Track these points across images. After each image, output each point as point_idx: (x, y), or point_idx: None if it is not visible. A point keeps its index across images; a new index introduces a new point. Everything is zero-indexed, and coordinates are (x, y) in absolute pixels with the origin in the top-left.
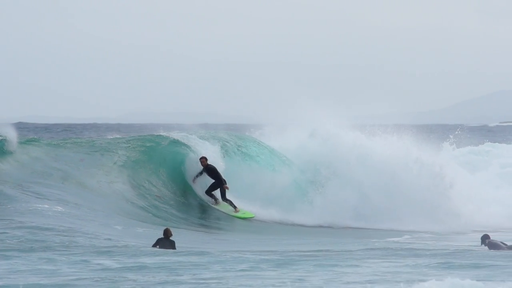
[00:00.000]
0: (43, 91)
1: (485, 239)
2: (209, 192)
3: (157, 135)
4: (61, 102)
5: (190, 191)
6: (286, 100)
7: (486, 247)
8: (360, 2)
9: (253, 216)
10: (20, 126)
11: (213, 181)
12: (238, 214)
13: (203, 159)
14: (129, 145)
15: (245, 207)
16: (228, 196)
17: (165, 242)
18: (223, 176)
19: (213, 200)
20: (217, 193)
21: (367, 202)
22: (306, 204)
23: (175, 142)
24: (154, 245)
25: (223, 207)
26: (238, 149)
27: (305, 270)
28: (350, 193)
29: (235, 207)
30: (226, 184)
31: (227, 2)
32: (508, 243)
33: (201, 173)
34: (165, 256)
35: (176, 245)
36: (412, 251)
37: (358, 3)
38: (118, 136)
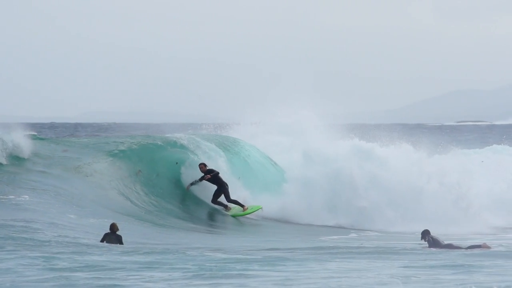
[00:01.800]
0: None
1: (425, 234)
2: (215, 200)
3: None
4: (17, 100)
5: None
6: (257, 100)
7: (426, 243)
8: (313, 2)
9: (260, 207)
10: None
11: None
12: (248, 211)
13: (202, 165)
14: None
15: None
16: (232, 196)
17: (112, 236)
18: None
19: (222, 207)
20: (222, 198)
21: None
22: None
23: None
24: (102, 240)
25: (233, 211)
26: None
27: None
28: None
29: (242, 205)
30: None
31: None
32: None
33: (199, 180)
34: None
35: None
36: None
37: (312, 3)
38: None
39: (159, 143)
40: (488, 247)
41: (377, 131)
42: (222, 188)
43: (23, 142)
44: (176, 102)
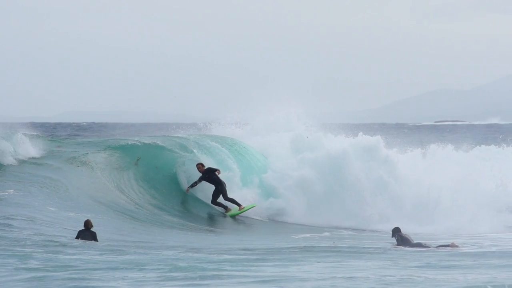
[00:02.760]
0: None
1: (395, 232)
2: (214, 201)
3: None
4: None
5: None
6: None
7: (396, 240)
8: (292, 2)
9: (255, 205)
10: None
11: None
12: (244, 209)
13: (200, 165)
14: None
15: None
16: (229, 195)
17: (86, 233)
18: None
19: (222, 208)
20: (221, 198)
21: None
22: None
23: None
24: (77, 237)
25: (232, 212)
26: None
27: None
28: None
29: (239, 204)
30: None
31: None
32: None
33: (198, 181)
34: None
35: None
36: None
37: (289, 4)
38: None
39: (159, 143)
40: (456, 246)
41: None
42: (219, 186)
43: (25, 143)
44: (156, 102)
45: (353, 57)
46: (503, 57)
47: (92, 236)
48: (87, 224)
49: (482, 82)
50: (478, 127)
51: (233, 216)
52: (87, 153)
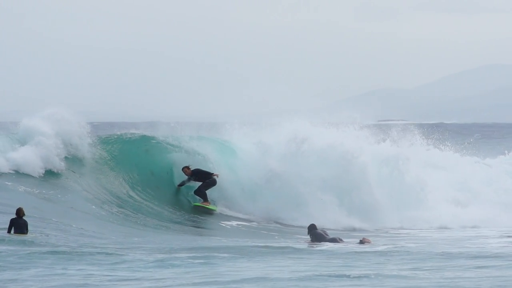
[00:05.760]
0: None
1: (311, 229)
2: (198, 191)
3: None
4: None
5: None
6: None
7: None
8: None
9: (216, 209)
10: None
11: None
12: (206, 206)
13: (186, 169)
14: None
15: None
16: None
17: (19, 221)
18: (210, 169)
19: (200, 198)
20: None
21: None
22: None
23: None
24: (9, 227)
25: (197, 202)
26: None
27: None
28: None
29: (207, 200)
30: (214, 174)
31: None
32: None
33: (187, 180)
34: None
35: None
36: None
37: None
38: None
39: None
40: (369, 241)
41: None
42: (207, 180)
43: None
44: (128, 101)
45: (294, 56)
46: (446, 57)
47: (25, 225)
48: (19, 212)
49: (424, 82)
50: (425, 126)
51: (195, 206)
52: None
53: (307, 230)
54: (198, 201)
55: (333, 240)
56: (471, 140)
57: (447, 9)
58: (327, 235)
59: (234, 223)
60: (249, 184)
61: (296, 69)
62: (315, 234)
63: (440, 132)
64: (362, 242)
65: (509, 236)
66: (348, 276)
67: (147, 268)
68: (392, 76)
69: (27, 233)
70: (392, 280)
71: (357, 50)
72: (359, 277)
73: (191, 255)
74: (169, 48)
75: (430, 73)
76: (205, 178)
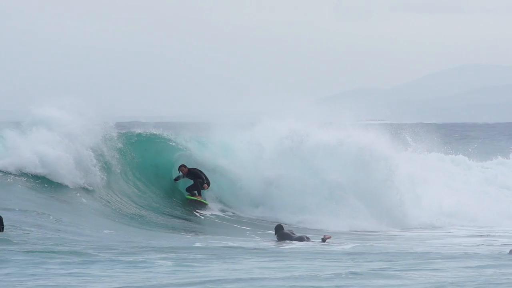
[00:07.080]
0: None
1: (278, 229)
2: (190, 190)
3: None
4: None
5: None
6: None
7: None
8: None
9: (207, 204)
10: None
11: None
12: (199, 199)
13: (182, 167)
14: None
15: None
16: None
17: None
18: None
19: (194, 195)
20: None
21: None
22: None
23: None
24: None
25: (191, 195)
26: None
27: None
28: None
29: (200, 194)
30: (206, 184)
31: None
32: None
33: (182, 177)
34: None
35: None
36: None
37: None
38: None
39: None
40: (329, 237)
41: None
42: (199, 180)
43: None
44: (122, 102)
45: (272, 56)
46: (424, 57)
47: (1, 221)
48: None
49: (403, 81)
50: (405, 126)
51: (188, 199)
52: None
53: (274, 231)
54: (194, 196)
55: (300, 239)
56: (450, 140)
57: (426, 10)
58: (293, 234)
59: (208, 213)
60: (247, 190)
61: (274, 69)
62: (282, 235)
63: (419, 132)
64: (324, 239)
65: (480, 236)
66: (319, 278)
67: (119, 268)
68: (370, 76)
69: (2, 230)
70: (365, 278)
71: (335, 50)
72: (330, 277)
73: (162, 255)
74: (165, 48)
75: (409, 73)
76: (197, 179)
